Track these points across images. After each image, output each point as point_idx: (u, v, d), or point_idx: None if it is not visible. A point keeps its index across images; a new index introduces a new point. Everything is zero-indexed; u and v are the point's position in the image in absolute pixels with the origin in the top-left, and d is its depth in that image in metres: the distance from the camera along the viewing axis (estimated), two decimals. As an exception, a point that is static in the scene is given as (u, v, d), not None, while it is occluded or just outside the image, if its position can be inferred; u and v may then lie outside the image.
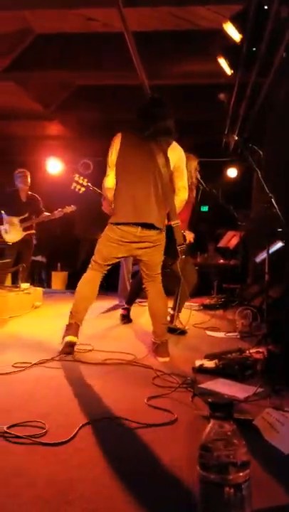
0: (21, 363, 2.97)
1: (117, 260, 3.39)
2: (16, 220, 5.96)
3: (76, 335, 3.25)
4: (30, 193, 6.20)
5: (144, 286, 3.40)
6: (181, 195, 3.30)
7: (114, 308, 5.59)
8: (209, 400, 1.23)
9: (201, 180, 4.34)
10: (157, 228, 3.17)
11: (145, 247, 3.21)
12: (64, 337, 3.25)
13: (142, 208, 3.12)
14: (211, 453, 1.16)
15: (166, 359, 3.20)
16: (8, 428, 1.95)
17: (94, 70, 6.04)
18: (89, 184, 4.17)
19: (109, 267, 3.37)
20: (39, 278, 8.76)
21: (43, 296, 5.84)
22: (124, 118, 3.77)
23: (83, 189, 4.13)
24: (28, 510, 1.41)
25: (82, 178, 4.15)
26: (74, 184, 4.17)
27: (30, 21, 5.41)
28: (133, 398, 2.41)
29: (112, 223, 3.21)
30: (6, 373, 2.79)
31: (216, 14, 4.79)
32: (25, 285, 5.51)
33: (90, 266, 3.34)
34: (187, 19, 5.16)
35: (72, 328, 3.25)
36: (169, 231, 3.28)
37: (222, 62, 4.96)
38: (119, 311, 4.83)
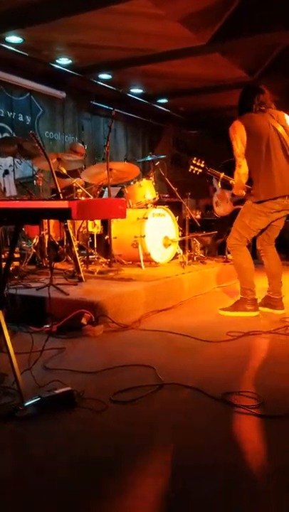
0: (236, 332, 3.08)
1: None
2: (227, 193, 5.84)
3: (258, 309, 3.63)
4: None
5: (259, 248, 3.73)
6: None
7: None
8: None
9: None
10: None
11: (284, 215, 3.55)
12: (248, 311, 3.59)
13: (284, 180, 3.40)
14: None
15: (284, 311, 3.63)
16: (223, 395, 2.05)
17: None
18: (206, 166, 4.07)
19: None
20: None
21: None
22: None
23: (200, 171, 4.05)
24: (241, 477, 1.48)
25: (198, 160, 4.06)
26: (191, 167, 4.10)
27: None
28: None
29: (260, 201, 3.43)
30: (221, 341, 2.94)
31: None
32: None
33: (238, 243, 3.59)
34: None
35: (256, 303, 3.63)
36: None
37: None
38: None
